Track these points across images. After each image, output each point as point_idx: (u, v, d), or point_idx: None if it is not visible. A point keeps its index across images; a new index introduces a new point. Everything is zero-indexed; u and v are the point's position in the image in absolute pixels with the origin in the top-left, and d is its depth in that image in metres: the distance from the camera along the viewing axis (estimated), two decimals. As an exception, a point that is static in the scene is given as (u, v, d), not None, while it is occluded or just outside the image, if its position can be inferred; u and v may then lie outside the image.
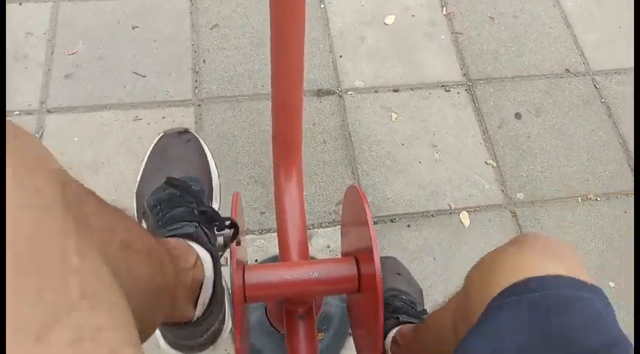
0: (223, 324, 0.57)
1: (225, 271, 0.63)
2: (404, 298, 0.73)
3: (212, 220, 0.55)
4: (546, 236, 0.39)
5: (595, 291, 0.34)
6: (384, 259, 0.84)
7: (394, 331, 0.65)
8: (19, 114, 0.99)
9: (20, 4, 1.12)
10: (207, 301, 0.50)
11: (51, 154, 0.25)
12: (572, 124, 1.09)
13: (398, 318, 0.67)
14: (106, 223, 0.32)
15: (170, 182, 0.57)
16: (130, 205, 0.84)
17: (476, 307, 0.36)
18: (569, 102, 1.11)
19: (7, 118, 0.95)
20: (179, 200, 0.56)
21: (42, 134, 0.97)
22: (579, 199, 1.00)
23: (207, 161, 0.67)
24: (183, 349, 0.54)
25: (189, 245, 0.51)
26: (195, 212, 0.54)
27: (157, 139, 0.68)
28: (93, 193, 0.33)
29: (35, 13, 1.11)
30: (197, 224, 0.52)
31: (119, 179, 0.93)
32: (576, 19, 1.22)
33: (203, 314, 0.50)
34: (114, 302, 0.23)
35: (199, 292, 0.49)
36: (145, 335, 0.39)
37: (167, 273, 0.41)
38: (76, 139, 0.97)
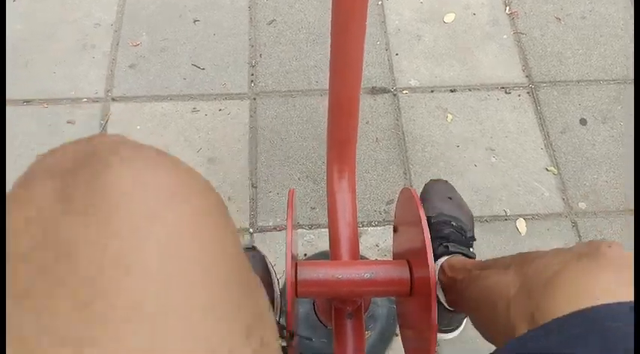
0: None
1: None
2: (454, 224, 0.72)
3: None
4: (621, 248, 0.36)
5: None
6: (434, 182, 0.83)
7: (443, 259, 0.64)
8: (87, 101, 1.04)
9: (91, -4, 1.17)
10: None
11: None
12: (643, 133, 1.02)
13: (448, 247, 0.67)
14: None
15: None
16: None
17: (535, 312, 0.35)
18: (640, 109, 1.05)
19: (77, 105, 0.99)
20: None
21: (107, 122, 1.01)
22: (646, 212, 0.94)
23: (270, 276, 0.74)
24: None
25: None
26: None
27: None
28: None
29: (104, 4, 1.16)
30: None
31: (175, 168, 0.96)
32: (652, 20, 1.15)
33: None
34: (272, 320, 0.29)
35: None
36: None
37: None
38: (138, 127, 1.01)
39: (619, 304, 0.31)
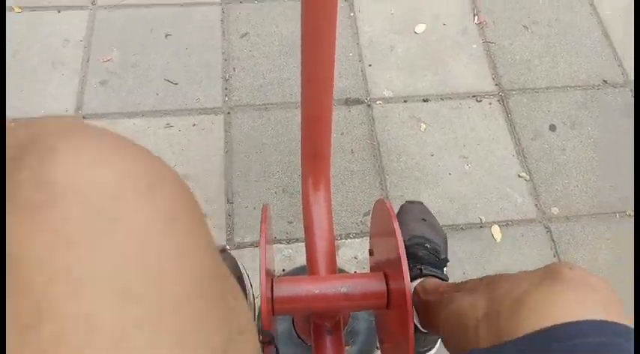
0: None
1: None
2: (428, 246, 0.73)
3: None
4: (581, 270, 0.38)
5: (628, 333, 0.33)
6: (410, 204, 0.84)
7: (417, 282, 0.65)
8: (56, 120, 1.01)
9: (59, 12, 1.15)
10: None
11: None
12: (610, 137, 1.05)
13: (421, 270, 0.68)
14: None
15: None
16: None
17: (502, 333, 0.36)
18: (607, 114, 1.08)
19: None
20: None
21: (76, 140, 0.99)
22: (617, 215, 0.96)
23: (243, 280, 0.72)
24: None
25: None
26: None
27: None
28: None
29: (73, 20, 1.14)
30: None
31: (149, 185, 0.94)
32: (614, 28, 1.19)
33: None
34: (255, 338, 0.27)
35: None
36: None
37: None
38: (108, 145, 0.99)
39: (579, 322, 0.32)
